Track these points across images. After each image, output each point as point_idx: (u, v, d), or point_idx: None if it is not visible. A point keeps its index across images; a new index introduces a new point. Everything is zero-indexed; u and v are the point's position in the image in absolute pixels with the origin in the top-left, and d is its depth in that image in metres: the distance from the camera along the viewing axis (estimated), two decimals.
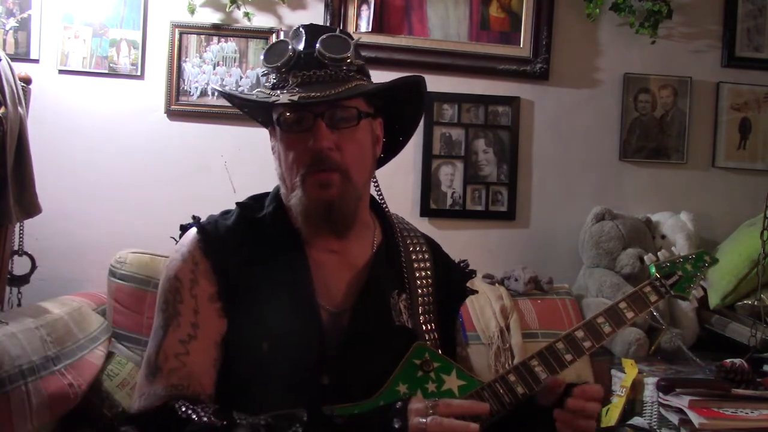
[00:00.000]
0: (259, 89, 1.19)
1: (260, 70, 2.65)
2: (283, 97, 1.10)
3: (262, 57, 1.19)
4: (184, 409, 1.03)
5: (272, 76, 1.18)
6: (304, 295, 1.17)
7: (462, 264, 1.40)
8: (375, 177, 1.30)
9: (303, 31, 1.19)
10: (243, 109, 1.31)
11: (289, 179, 1.17)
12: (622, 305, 1.31)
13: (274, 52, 1.17)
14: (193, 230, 1.21)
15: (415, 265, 1.29)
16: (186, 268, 1.16)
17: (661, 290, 1.36)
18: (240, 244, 1.19)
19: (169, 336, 1.11)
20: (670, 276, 1.39)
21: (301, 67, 1.15)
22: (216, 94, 2.62)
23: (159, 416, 1.04)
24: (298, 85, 1.13)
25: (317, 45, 1.14)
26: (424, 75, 2.67)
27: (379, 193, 1.32)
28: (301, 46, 1.17)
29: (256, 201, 1.28)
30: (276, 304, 1.15)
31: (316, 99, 1.09)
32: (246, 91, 2.63)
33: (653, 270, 1.40)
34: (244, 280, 1.16)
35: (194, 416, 1.02)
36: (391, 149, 1.34)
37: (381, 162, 1.33)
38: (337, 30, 1.19)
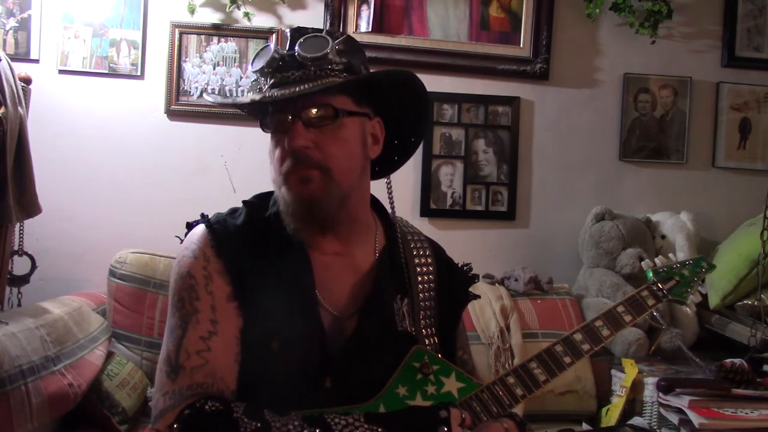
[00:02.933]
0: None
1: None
2: (246, 97, 1.12)
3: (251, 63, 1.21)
4: (215, 409, 1.03)
5: (261, 80, 1.19)
6: (307, 298, 1.17)
7: (465, 268, 1.40)
8: (389, 179, 1.30)
9: (289, 34, 1.20)
10: (243, 110, 1.31)
11: (276, 178, 1.18)
12: (620, 309, 1.31)
13: (259, 56, 1.18)
14: (202, 227, 1.20)
15: (418, 269, 1.29)
16: (198, 264, 1.15)
17: (658, 294, 1.36)
18: (249, 244, 1.18)
19: (189, 333, 1.10)
20: (668, 280, 1.39)
21: (282, 69, 1.14)
22: (215, 94, 2.62)
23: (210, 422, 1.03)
24: (271, 86, 1.14)
25: (296, 46, 1.14)
26: (424, 75, 2.68)
27: (390, 195, 1.32)
28: (286, 50, 1.18)
29: (261, 200, 1.27)
30: (280, 306, 1.15)
31: (278, 97, 1.10)
32: (246, 91, 2.64)
33: (650, 275, 1.40)
34: (254, 280, 1.16)
35: (226, 416, 1.02)
36: (403, 152, 1.33)
37: (395, 166, 1.33)
38: (324, 30, 1.18)
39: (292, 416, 1.04)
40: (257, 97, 1.11)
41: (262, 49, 1.19)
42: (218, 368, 1.09)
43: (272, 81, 1.14)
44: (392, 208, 1.33)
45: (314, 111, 1.13)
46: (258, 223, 1.22)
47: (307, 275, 1.18)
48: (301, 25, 1.22)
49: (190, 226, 1.24)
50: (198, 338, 1.10)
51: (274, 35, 2.66)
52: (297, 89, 1.10)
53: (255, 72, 1.17)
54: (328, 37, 1.16)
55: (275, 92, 1.11)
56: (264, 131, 1.19)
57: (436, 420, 1.06)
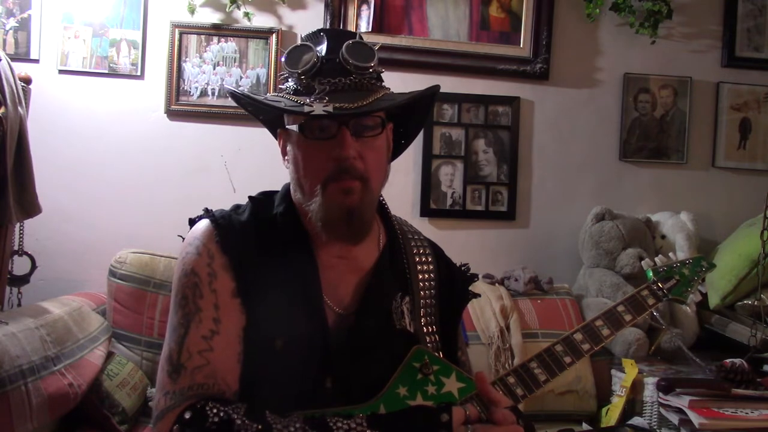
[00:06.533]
0: (278, 95, 1.18)
1: (260, 71, 2.65)
2: (318, 108, 1.08)
3: (283, 60, 1.17)
4: (216, 411, 1.02)
5: (292, 81, 1.17)
6: (312, 297, 1.17)
7: (464, 267, 1.40)
8: (387, 179, 1.30)
9: (324, 36, 1.18)
10: (247, 108, 1.29)
11: (308, 186, 1.16)
12: (620, 308, 1.32)
13: (296, 56, 1.16)
14: (206, 222, 1.19)
15: (419, 268, 1.29)
16: (202, 262, 1.14)
17: (658, 294, 1.36)
18: (254, 241, 1.18)
19: (191, 332, 1.09)
20: (668, 280, 1.39)
21: (324, 73, 1.13)
22: (216, 94, 2.63)
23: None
24: (327, 94, 1.11)
25: (342, 51, 1.13)
26: (424, 75, 2.69)
27: (380, 196, 1.32)
28: (323, 52, 1.16)
29: (267, 197, 1.27)
30: (285, 305, 1.15)
31: (352, 111, 1.09)
32: (246, 91, 2.63)
33: (650, 274, 1.41)
34: (258, 277, 1.15)
35: (227, 418, 1.01)
36: (394, 151, 1.33)
37: None
38: (357, 35, 1.18)
39: (294, 418, 1.03)
40: (329, 108, 1.08)
41: (297, 48, 1.17)
42: (219, 368, 1.09)
43: (323, 88, 1.12)
44: (386, 206, 1.33)
45: (366, 122, 1.14)
46: (263, 220, 1.21)
47: (312, 274, 1.18)
48: (333, 27, 1.22)
49: (192, 222, 1.23)
50: (200, 337, 1.09)
51: (274, 35, 2.65)
52: (364, 102, 1.10)
53: (293, 72, 1.15)
54: (371, 45, 1.16)
55: (341, 103, 1.09)
56: (306, 136, 1.15)
57: (438, 425, 1.05)
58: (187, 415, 1.03)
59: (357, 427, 1.03)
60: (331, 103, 1.09)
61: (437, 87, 1.23)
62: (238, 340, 1.12)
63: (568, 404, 2.36)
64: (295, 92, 1.16)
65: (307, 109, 1.09)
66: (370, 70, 1.15)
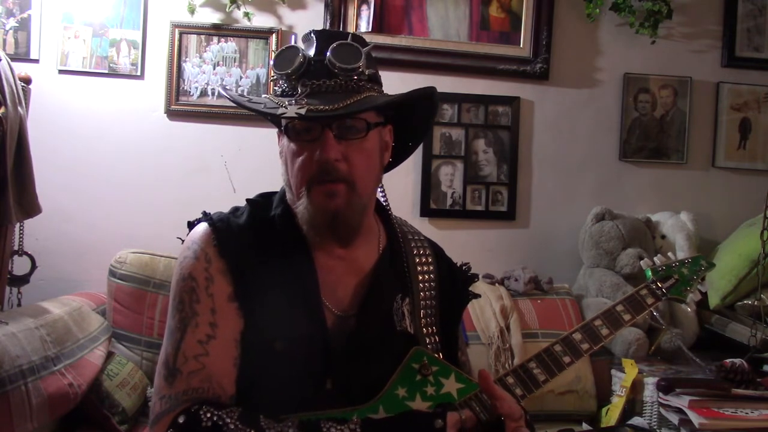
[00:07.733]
0: (266, 95, 1.18)
1: (260, 71, 2.66)
2: (291, 110, 1.08)
3: (272, 62, 1.17)
4: (209, 415, 1.02)
5: (281, 82, 1.17)
6: (311, 299, 1.17)
7: (464, 267, 1.40)
8: (382, 183, 1.29)
9: (314, 37, 1.17)
10: (265, 115, 1.29)
11: (295, 187, 1.16)
12: (619, 308, 1.31)
13: (284, 58, 1.15)
14: (204, 226, 1.19)
15: (419, 269, 1.29)
16: (200, 266, 1.14)
17: (657, 293, 1.36)
18: (252, 244, 1.18)
19: (187, 337, 1.09)
20: (667, 279, 1.39)
21: (310, 75, 1.12)
22: (216, 93, 2.63)
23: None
24: (306, 95, 1.11)
25: (327, 53, 1.12)
26: (424, 75, 2.69)
27: (384, 197, 1.32)
28: (311, 53, 1.15)
29: (265, 199, 1.27)
30: (284, 307, 1.15)
31: (324, 113, 1.08)
32: (246, 91, 2.64)
33: (649, 274, 1.41)
34: (256, 279, 1.15)
35: (220, 422, 1.01)
36: (400, 153, 1.33)
37: (389, 166, 1.31)
38: (350, 36, 1.17)
39: (288, 423, 1.03)
40: (302, 110, 1.07)
41: (285, 50, 1.16)
42: (215, 373, 1.09)
43: (305, 90, 1.12)
44: (388, 208, 1.33)
45: (349, 124, 1.13)
46: (261, 222, 1.21)
47: (311, 276, 1.18)
48: (324, 29, 1.21)
49: (191, 225, 1.23)
50: (196, 342, 1.09)
51: (274, 35, 2.66)
52: (341, 104, 1.08)
53: (280, 74, 1.15)
54: (359, 46, 1.14)
55: (319, 105, 1.08)
56: (289, 137, 1.15)
57: (432, 430, 1.05)
58: (181, 419, 1.03)
59: None
60: (307, 104, 1.08)
61: (426, 89, 1.21)
62: (234, 345, 1.12)
63: (568, 404, 2.36)
64: (282, 93, 1.16)
65: (280, 111, 1.09)
66: (358, 71, 1.13)
